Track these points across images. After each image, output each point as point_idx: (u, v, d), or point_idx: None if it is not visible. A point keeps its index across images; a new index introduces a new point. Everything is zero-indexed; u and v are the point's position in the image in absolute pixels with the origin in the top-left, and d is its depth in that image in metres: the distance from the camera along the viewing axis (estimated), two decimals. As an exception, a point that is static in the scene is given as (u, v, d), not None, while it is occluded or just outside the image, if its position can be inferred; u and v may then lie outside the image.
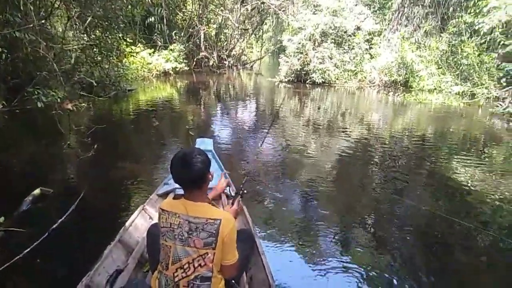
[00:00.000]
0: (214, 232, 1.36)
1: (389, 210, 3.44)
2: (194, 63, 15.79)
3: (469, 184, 4.08)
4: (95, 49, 7.68)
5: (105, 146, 4.89)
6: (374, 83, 12.94)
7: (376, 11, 14.51)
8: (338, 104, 10.14)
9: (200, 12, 15.65)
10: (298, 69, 12.93)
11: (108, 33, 7.64)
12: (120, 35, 8.16)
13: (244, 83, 15.06)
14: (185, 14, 15.89)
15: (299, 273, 2.44)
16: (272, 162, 4.70)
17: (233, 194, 2.29)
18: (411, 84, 12.24)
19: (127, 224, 2.23)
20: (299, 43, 12.80)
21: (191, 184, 1.44)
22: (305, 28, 12.89)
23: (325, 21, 12.66)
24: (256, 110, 9.07)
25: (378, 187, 3.99)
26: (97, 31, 7.76)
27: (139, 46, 12.23)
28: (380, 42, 13.39)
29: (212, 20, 17.14)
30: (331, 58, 12.77)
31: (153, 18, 13.68)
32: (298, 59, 12.83)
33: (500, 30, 10.09)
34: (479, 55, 10.88)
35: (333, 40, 12.93)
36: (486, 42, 10.90)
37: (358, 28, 13.23)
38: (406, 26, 13.24)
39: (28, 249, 2.33)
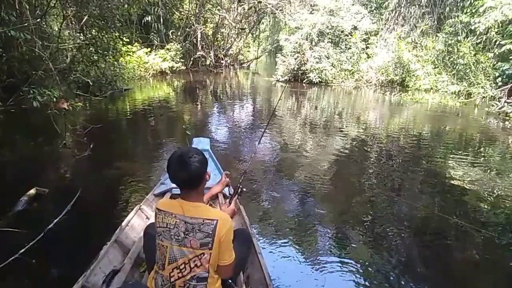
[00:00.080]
0: (211, 232, 1.35)
1: (385, 209, 3.45)
2: (191, 62, 15.77)
3: (464, 183, 4.11)
4: (91, 48, 7.62)
5: (101, 146, 4.86)
6: (370, 82, 13.00)
7: (372, 11, 14.57)
8: (335, 103, 10.15)
9: (197, 11, 15.64)
10: (295, 69, 12.94)
11: (104, 32, 7.59)
12: (117, 34, 8.10)
13: (241, 83, 15.04)
14: (182, 13, 15.84)
15: (296, 272, 2.44)
16: (269, 161, 4.70)
17: (230, 193, 2.28)
18: (407, 84, 12.30)
19: (123, 224, 2.22)
20: (296, 43, 12.83)
21: (188, 184, 1.42)
22: (302, 27, 12.94)
23: (322, 20, 12.71)
24: (253, 110, 9.07)
25: (375, 186, 4.00)
26: (93, 30, 7.70)
27: (135, 45, 12.16)
28: (376, 42, 13.46)
29: (209, 20, 17.15)
30: (328, 58, 12.81)
31: (149, 17, 13.62)
32: (295, 59, 12.84)
33: (496, 30, 10.17)
34: (475, 54, 10.94)
35: (330, 40, 12.98)
36: (482, 42, 10.98)
37: (355, 28, 13.30)
38: (402, 25, 13.32)
39: (24, 250, 2.31)
